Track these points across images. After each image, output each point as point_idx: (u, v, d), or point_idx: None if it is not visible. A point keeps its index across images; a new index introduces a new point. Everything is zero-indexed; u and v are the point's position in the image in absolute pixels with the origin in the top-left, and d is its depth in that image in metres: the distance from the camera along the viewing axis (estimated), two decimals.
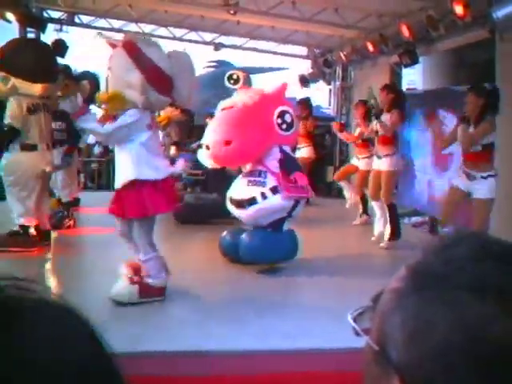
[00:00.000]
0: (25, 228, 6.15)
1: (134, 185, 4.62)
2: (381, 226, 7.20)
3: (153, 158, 4.72)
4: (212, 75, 8.07)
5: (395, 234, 6.95)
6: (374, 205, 7.37)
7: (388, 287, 0.70)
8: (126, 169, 4.66)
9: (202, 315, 4.54)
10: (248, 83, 7.91)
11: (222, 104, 5.99)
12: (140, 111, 4.62)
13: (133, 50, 4.61)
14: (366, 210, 8.32)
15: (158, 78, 4.66)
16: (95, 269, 5.66)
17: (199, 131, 10.70)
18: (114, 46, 4.78)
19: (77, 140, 7.79)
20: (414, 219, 9.45)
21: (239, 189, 5.90)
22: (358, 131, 8.48)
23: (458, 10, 6.06)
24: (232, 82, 7.97)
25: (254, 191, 5.76)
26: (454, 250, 0.66)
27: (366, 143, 8.13)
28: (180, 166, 5.06)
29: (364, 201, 8.28)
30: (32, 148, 6.12)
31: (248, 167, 5.97)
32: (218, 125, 5.89)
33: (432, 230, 7.92)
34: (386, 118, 7.07)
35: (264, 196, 5.70)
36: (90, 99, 6.24)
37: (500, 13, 5.22)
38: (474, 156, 5.67)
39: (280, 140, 5.82)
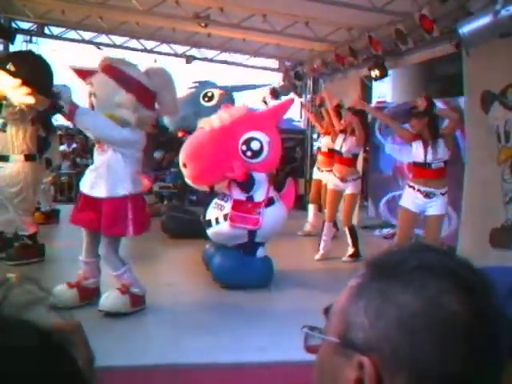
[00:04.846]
0: (33, 238, 6.26)
1: (121, 201, 4.64)
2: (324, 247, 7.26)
3: (137, 175, 4.82)
4: (191, 94, 8.04)
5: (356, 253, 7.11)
6: (327, 225, 7.34)
7: (345, 289, 0.78)
8: (115, 181, 4.64)
9: (175, 328, 4.51)
10: (227, 101, 7.89)
11: (200, 122, 6.01)
12: (136, 131, 4.69)
13: (113, 71, 4.68)
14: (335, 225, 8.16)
15: (144, 94, 4.73)
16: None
17: (168, 144, 10.71)
18: (83, 73, 4.83)
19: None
20: (385, 231, 9.52)
21: (209, 209, 5.93)
22: (324, 141, 8.56)
23: (426, 24, 6.18)
24: (206, 99, 7.96)
25: (213, 214, 5.79)
26: (403, 247, 0.80)
27: (331, 154, 8.05)
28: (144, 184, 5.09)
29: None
30: (33, 158, 6.20)
31: (222, 188, 5.97)
32: (184, 147, 5.92)
33: None
34: (351, 139, 7.20)
35: (217, 221, 5.72)
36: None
37: (465, 29, 5.32)
38: (435, 172, 5.65)
39: (247, 167, 5.71)
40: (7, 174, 6.08)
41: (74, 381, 0.64)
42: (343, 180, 7.23)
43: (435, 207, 5.63)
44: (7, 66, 5.88)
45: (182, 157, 5.82)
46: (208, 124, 5.79)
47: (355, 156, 7.31)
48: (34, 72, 5.89)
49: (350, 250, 7.15)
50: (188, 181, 6.00)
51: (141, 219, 4.76)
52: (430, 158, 5.61)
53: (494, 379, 0.72)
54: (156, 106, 4.95)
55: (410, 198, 5.77)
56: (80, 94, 5.04)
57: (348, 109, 7.36)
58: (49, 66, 6.30)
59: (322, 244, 7.25)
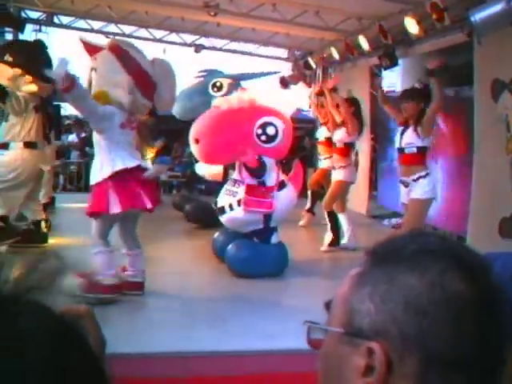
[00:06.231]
0: (36, 223, 6.37)
1: (104, 181, 4.65)
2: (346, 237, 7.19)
3: (122, 152, 4.70)
4: (199, 84, 7.98)
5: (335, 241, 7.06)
6: (340, 216, 7.27)
7: (346, 279, 0.78)
8: (99, 167, 4.70)
9: (183, 316, 4.53)
10: (236, 89, 7.88)
11: (217, 101, 6.00)
12: (117, 109, 4.66)
13: (121, 52, 4.73)
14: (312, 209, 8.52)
15: (144, 82, 4.76)
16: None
17: (173, 133, 10.71)
18: (91, 48, 4.83)
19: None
20: (394, 221, 9.50)
21: (220, 196, 5.93)
22: (321, 131, 8.54)
23: (436, 13, 6.12)
24: (215, 89, 7.92)
25: (226, 201, 5.78)
26: (401, 235, 0.80)
27: (329, 142, 8.16)
28: (155, 169, 5.05)
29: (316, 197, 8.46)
30: (33, 146, 6.20)
31: (234, 174, 5.97)
32: (198, 122, 5.90)
33: None
34: (342, 129, 7.18)
35: (231, 207, 5.72)
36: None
37: (477, 16, 5.27)
38: (409, 157, 5.66)
39: (259, 151, 5.74)
40: (5, 160, 6.13)
41: (88, 363, 0.64)
42: (333, 168, 7.38)
43: (413, 192, 5.63)
44: (5, 58, 5.91)
45: (193, 131, 5.80)
46: (226, 103, 5.81)
47: (347, 145, 7.25)
48: (32, 60, 5.91)
49: (329, 237, 7.11)
50: (198, 158, 6.00)
51: (126, 195, 4.66)
52: (404, 142, 5.66)
53: (500, 357, 0.73)
54: (154, 98, 4.94)
55: (401, 192, 5.88)
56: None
57: (344, 100, 7.38)
58: (46, 51, 6.29)
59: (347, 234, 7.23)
